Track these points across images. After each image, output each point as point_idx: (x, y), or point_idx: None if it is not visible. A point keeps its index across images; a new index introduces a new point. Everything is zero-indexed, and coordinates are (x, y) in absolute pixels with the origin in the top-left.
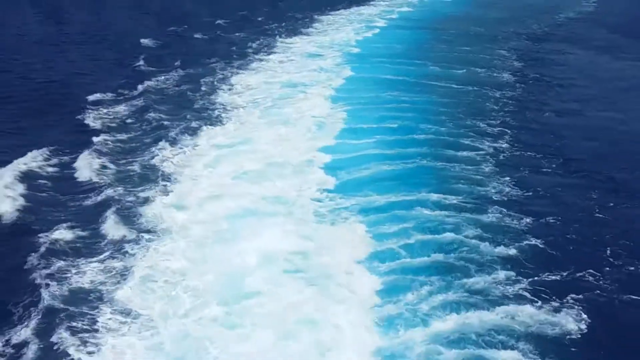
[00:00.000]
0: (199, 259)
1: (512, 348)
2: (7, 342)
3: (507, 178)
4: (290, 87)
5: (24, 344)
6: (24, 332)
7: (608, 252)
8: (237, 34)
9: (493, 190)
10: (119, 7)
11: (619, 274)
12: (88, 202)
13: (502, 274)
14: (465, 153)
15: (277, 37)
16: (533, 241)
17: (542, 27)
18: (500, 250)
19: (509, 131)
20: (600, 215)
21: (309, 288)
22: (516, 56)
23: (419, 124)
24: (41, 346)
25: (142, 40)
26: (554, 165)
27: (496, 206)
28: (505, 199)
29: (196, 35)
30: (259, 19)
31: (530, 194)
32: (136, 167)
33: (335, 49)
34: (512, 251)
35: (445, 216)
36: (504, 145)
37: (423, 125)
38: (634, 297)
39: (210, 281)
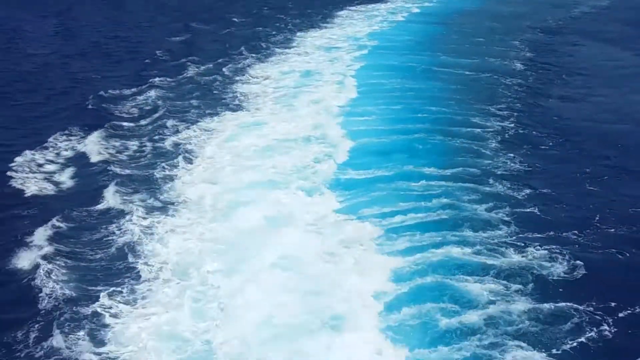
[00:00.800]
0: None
1: (497, 278)
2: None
3: (511, 154)
4: (305, 77)
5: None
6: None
7: (597, 217)
8: (256, 29)
9: (496, 165)
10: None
11: (605, 234)
12: (116, 178)
13: (496, 232)
14: (471, 130)
15: (295, 31)
16: (529, 209)
17: (557, 21)
18: (497, 213)
19: (515, 113)
20: (593, 188)
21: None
22: (528, 47)
23: (426, 106)
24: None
25: (164, 35)
26: (553, 144)
27: (498, 178)
28: (507, 172)
29: (216, 30)
30: (278, 15)
31: (531, 169)
32: (163, 145)
33: (350, 41)
34: (508, 217)
35: (447, 185)
36: (509, 125)
37: (431, 107)
38: (614, 250)
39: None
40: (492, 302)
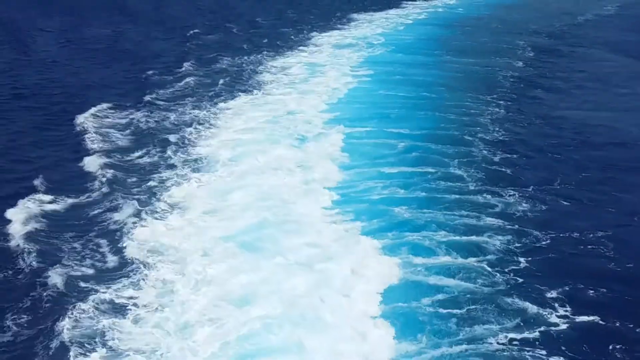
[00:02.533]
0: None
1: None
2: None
3: (499, 130)
4: (317, 66)
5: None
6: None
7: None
8: (279, 30)
9: (484, 142)
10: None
11: (581, 204)
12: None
13: (485, 208)
14: (466, 111)
15: (312, 31)
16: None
17: (562, 26)
18: (486, 188)
19: (510, 102)
20: (575, 156)
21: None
22: (531, 47)
23: (427, 93)
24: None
25: (191, 30)
26: (543, 128)
27: (485, 151)
28: (494, 148)
29: (237, 29)
30: (298, 18)
31: (508, 137)
32: (185, 118)
33: (360, 40)
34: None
35: (446, 155)
36: (500, 110)
37: (431, 94)
38: (591, 222)
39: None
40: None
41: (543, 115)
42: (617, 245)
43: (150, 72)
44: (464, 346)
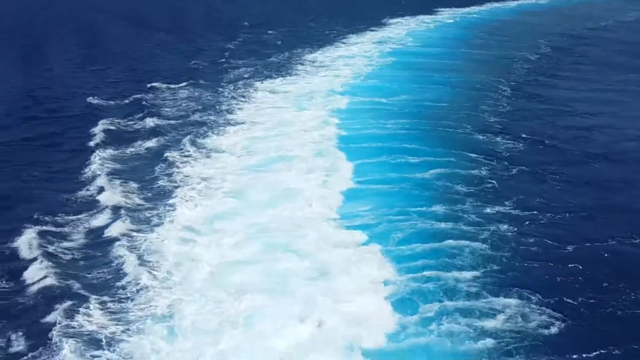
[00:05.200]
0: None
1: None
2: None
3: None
4: (340, 60)
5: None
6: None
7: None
8: (315, 32)
9: (484, 128)
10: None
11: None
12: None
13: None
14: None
15: (345, 33)
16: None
17: (583, 29)
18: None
19: (518, 92)
20: (564, 145)
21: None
22: (549, 46)
23: (442, 75)
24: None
25: (241, 24)
26: (541, 119)
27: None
28: (492, 137)
29: (294, 27)
30: (330, 21)
31: (516, 135)
32: (220, 99)
33: (387, 40)
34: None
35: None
36: (507, 94)
37: (449, 78)
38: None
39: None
40: None
41: (547, 100)
42: None
43: (191, 64)
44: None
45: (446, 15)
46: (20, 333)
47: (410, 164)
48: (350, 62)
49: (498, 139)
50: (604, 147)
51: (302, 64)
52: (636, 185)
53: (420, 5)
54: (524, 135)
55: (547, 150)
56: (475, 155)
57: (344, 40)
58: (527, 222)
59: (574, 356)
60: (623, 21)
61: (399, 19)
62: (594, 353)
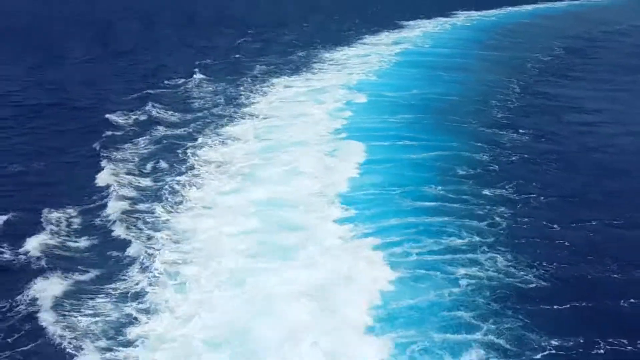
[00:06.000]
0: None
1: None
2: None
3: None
4: (355, 59)
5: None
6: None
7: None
8: (334, 33)
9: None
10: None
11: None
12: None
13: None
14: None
15: (363, 32)
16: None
17: (597, 33)
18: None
19: (528, 90)
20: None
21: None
22: (563, 47)
23: (451, 74)
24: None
25: (253, 24)
26: (546, 115)
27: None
28: (497, 129)
29: (323, 24)
30: (348, 21)
31: (519, 128)
32: (236, 94)
33: (403, 40)
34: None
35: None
36: (513, 99)
37: (457, 76)
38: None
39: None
40: None
41: (553, 96)
42: None
43: (206, 60)
44: None
45: (462, 18)
46: (25, 327)
47: (415, 148)
48: (365, 60)
49: (503, 131)
50: (605, 140)
51: (318, 62)
52: (630, 175)
53: (437, 8)
54: (528, 128)
55: (549, 142)
56: (480, 144)
57: (359, 40)
58: (521, 205)
59: (547, 307)
60: (637, 25)
61: (415, 21)
62: (566, 305)
